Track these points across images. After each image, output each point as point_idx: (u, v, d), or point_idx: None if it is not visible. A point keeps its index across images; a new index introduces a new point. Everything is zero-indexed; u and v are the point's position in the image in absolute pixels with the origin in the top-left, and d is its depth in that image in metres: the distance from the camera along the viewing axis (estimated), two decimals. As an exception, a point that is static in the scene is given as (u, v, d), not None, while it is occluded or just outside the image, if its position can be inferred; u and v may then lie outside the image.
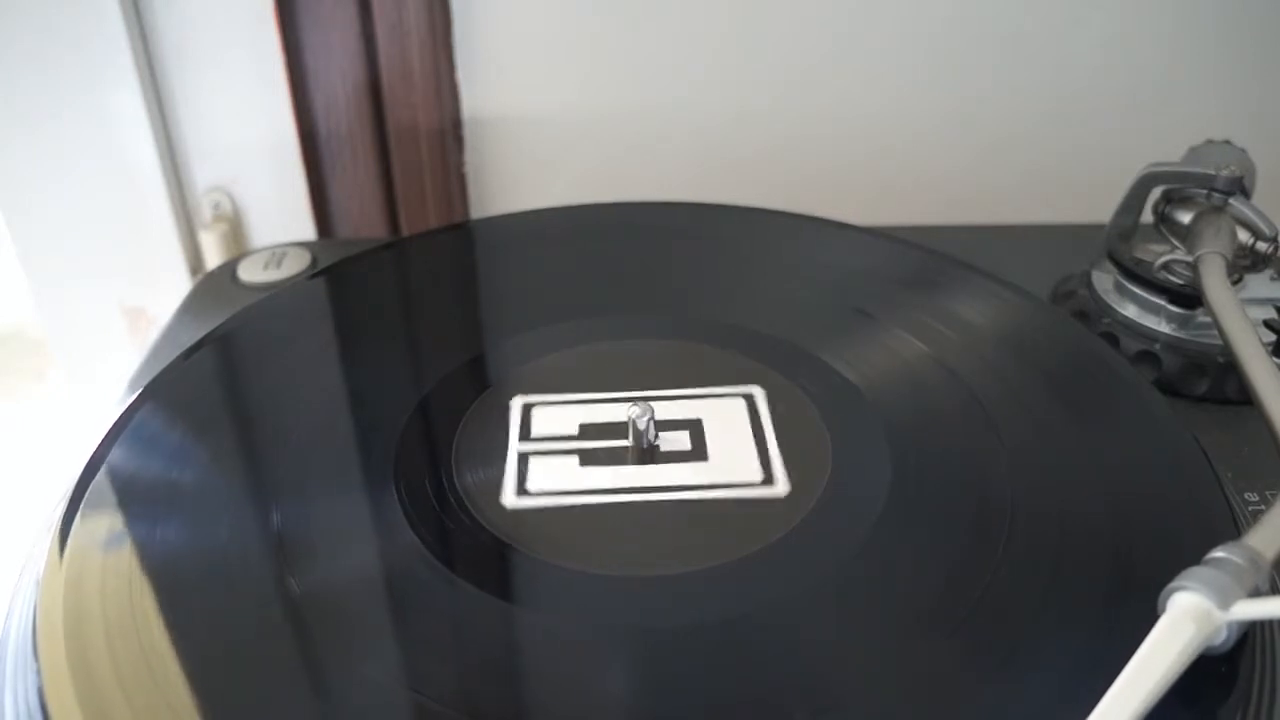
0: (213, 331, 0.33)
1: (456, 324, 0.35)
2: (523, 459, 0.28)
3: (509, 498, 0.26)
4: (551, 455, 0.28)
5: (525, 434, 0.29)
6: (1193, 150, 0.37)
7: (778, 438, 0.28)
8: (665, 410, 0.29)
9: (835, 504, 0.26)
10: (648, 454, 0.28)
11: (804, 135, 0.54)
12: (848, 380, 0.30)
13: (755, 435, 0.28)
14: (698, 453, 0.28)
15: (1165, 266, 0.35)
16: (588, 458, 0.28)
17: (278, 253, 0.43)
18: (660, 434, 0.28)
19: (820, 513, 0.25)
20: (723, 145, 0.55)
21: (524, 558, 0.24)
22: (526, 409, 0.30)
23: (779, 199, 0.42)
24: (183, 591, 0.23)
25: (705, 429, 0.29)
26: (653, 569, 0.24)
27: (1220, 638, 0.20)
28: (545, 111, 0.54)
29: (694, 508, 0.26)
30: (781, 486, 0.26)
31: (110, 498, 0.26)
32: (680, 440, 0.28)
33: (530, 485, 0.27)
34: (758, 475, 0.27)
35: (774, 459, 0.27)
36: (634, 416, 0.28)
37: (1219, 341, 0.30)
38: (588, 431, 0.29)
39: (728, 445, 0.28)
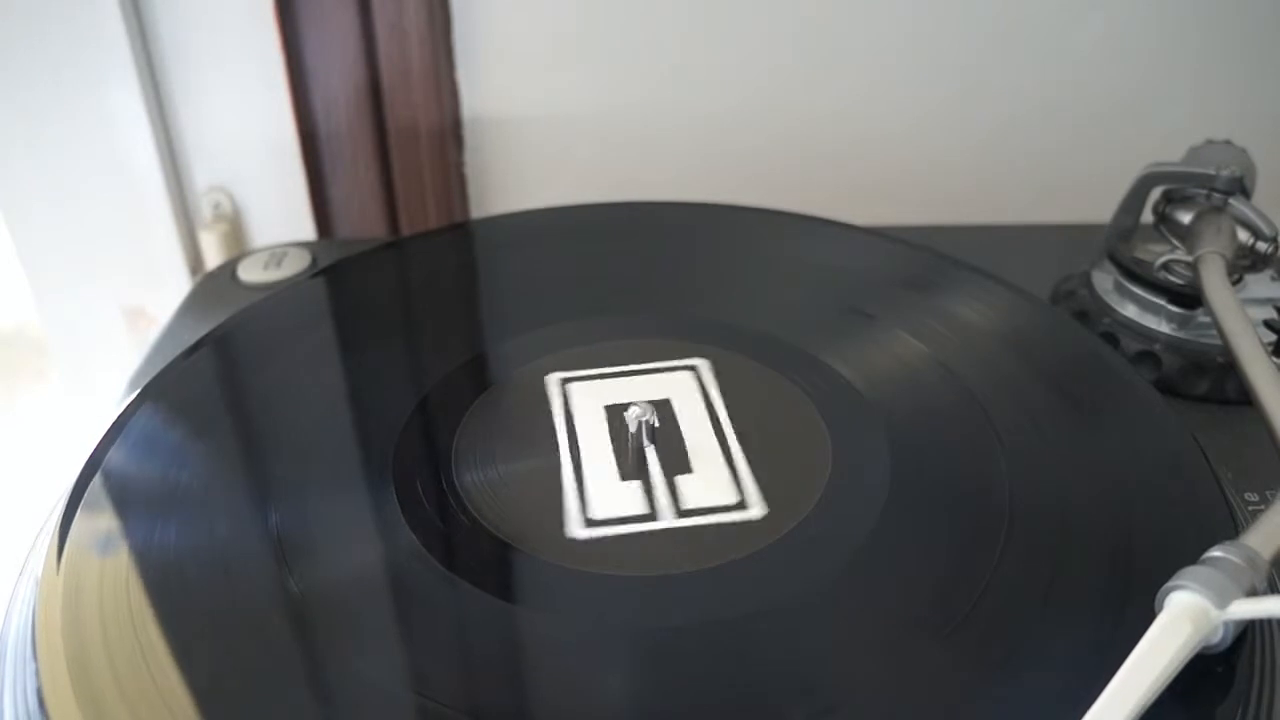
0: (213, 331, 0.33)
1: (456, 324, 0.35)
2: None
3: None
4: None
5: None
6: (1193, 150, 0.36)
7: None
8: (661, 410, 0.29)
9: (835, 504, 0.26)
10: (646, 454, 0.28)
11: (804, 135, 0.54)
12: (847, 380, 0.30)
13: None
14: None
15: (1165, 266, 0.35)
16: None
17: (278, 253, 0.43)
18: (656, 435, 0.28)
19: (820, 513, 0.25)
20: (723, 145, 0.55)
21: (524, 557, 0.24)
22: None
23: (779, 199, 0.42)
24: (181, 591, 0.23)
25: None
26: (653, 569, 0.24)
27: (1217, 637, 0.20)
28: (545, 111, 0.54)
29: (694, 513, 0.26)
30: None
31: (109, 498, 0.26)
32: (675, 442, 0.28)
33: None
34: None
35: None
36: (634, 416, 0.28)
37: (1219, 341, 0.30)
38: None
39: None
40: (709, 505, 0.26)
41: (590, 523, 0.26)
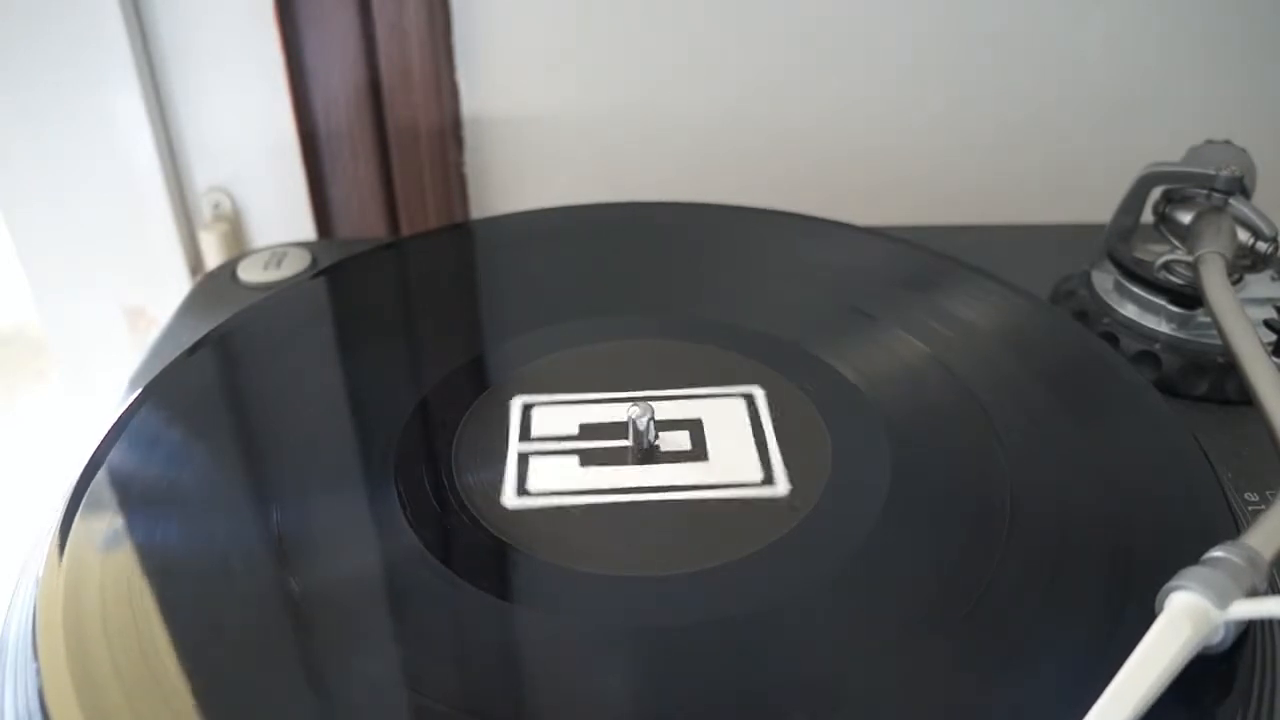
0: (213, 331, 0.33)
1: (456, 324, 0.35)
2: (523, 459, 0.28)
3: (509, 498, 0.26)
4: (552, 455, 0.28)
5: (525, 434, 0.29)
6: (1193, 150, 0.36)
7: (778, 437, 0.28)
8: (665, 410, 0.29)
9: (835, 504, 0.26)
10: (648, 454, 0.28)
11: (804, 135, 0.54)
12: (848, 380, 0.30)
13: (755, 435, 0.28)
14: (698, 453, 0.28)
15: (1165, 266, 0.35)
16: (588, 458, 0.28)
17: (278, 253, 0.43)
18: (660, 434, 0.28)
19: (820, 513, 0.25)
20: (722, 145, 0.55)
21: (524, 557, 0.24)
22: (526, 409, 0.30)
23: (779, 199, 0.42)
24: (182, 591, 0.23)
25: (705, 429, 0.29)
26: (653, 569, 0.24)
27: (1218, 637, 0.20)
28: (545, 111, 0.54)
29: (694, 508, 0.26)
30: (782, 486, 0.26)
31: (110, 497, 0.26)
32: (680, 440, 0.28)
33: (530, 485, 0.27)
34: (758, 475, 0.27)
35: (774, 458, 0.27)
36: (634, 416, 0.28)
37: (1219, 341, 0.30)
38: (588, 431, 0.29)
39: (728, 445, 0.28)
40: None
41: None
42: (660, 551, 0.25)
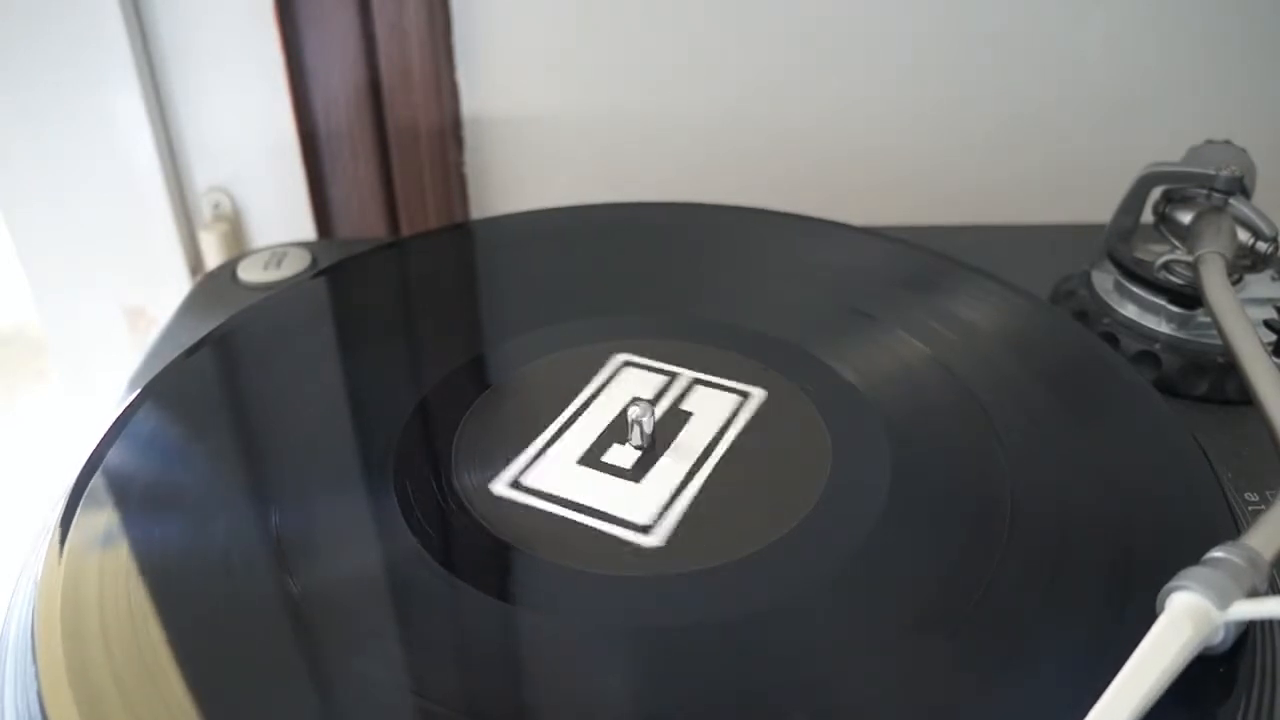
0: (213, 331, 0.33)
1: (456, 324, 0.35)
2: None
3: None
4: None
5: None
6: (1193, 150, 0.36)
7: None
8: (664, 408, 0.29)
9: (835, 504, 0.26)
10: (648, 455, 0.28)
11: (804, 135, 0.54)
12: (848, 380, 0.30)
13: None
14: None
15: (1165, 266, 0.35)
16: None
17: (278, 253, 0.43)
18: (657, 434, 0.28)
19: (820, 513, 0.25)
20: (722, 145, 0.55)
21: (524, 557, 0.24)
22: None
23: (778, 199, 0.42)
24: (181, 591, 0.23)
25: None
26: (653, 569, 0.24)
27: (1218, 638, 0.20)
28: (545, 111, 0.54)
29: (695, 507, 0.26)
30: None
31: (109, 497, 0.26)
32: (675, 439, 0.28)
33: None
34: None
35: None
36: (635, 416, 0.28)
37: (1219, 341, 0.30)
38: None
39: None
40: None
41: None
42: (661, 551, 0.25)
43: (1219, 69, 0.52)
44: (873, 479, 0.26)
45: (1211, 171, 0.35)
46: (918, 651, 0.22)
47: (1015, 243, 0.44)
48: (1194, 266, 0.32)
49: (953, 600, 0.23)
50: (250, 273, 0.42)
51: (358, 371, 0.32)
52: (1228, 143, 0.36)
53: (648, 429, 0.28)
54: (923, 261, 0.36)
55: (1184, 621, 0.20)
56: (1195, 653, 0.20)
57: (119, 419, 0.29)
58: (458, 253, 0.40)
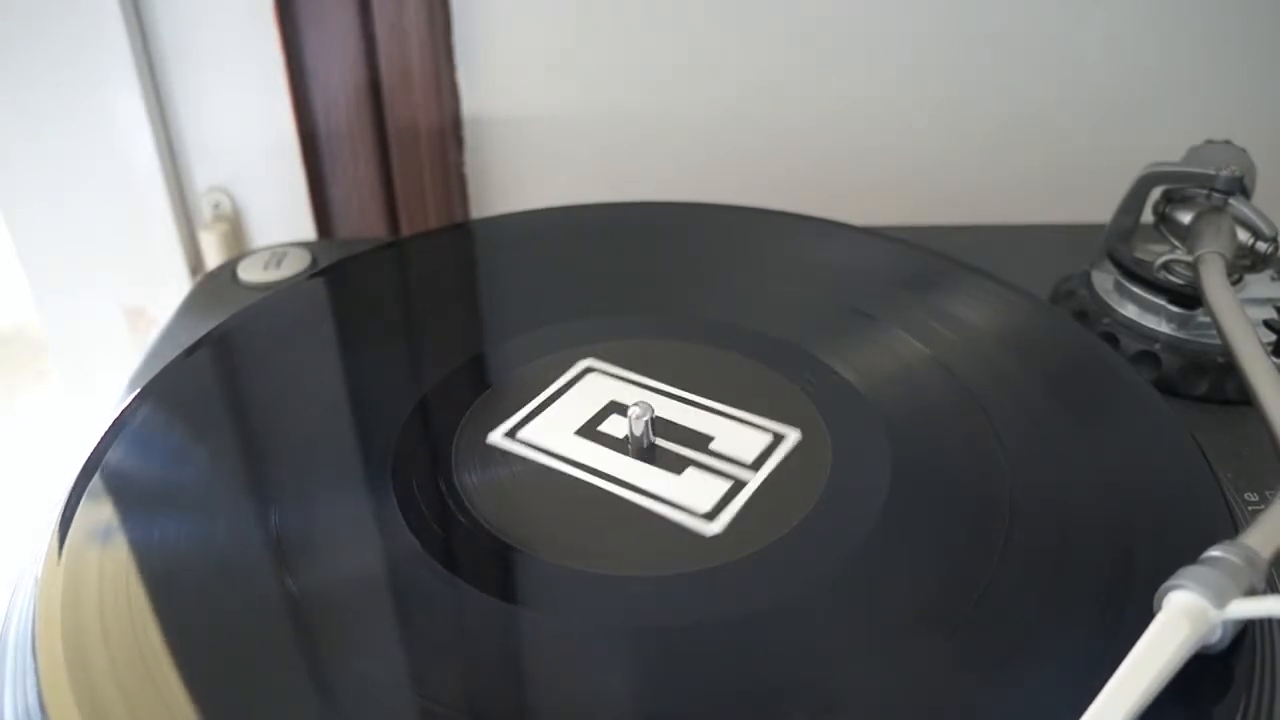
0: (212, 331, 0.33)
1: (456, 324, 0.35)
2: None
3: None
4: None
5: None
6: (1193, 150, 0.36)
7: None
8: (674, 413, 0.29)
9: (835, 504, 0.26)
10: (646, 453, 0.28)
11: (804, 135, 0.54)
12: (848, 380, 0.30)
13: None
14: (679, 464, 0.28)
15: (1165, 266, 0.35)
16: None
17: (278, 253, 0.43)
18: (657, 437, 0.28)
19: (820, 513, 0.25)
20: (722, 145, 0.55)
21: (523, 557, 0.24)
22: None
23: (778, 199, 0.42)
24: (181, 591, 0.23)
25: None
26: (652, 569, 0.24)
27: (1216, 636, 0.20)
28: (545, 111, 0.54)
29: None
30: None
31: (109, 497, 0.26)
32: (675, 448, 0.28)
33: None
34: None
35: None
36: (634, 416, 0.28)
37: (1219, 341, 0.30)
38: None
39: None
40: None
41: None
42: (660, 551, 0.25)
43: (1219, 69, 0.52)
44: (873, 479, 0.26)
45: (1211, 171, 0.35)
46: (918, 651, 0.22)
47: (1015, 243, 0.44)
48: (1194, 266, 0.32)
49: (953, 600, 0.23)
50: (250, 273, 0.42)
51: (357, 371, 0.32)
52: (1228, 143, 0.36)
53: (645, 431, 0.28)
54: (923, 261, 0.36)
55: (1181, 620, 0.20)
56: (1193, 651, 0.20)
57: (119, 419, 0.29)
58: (458, 253, 0.40)
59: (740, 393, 0.30)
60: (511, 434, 0.28)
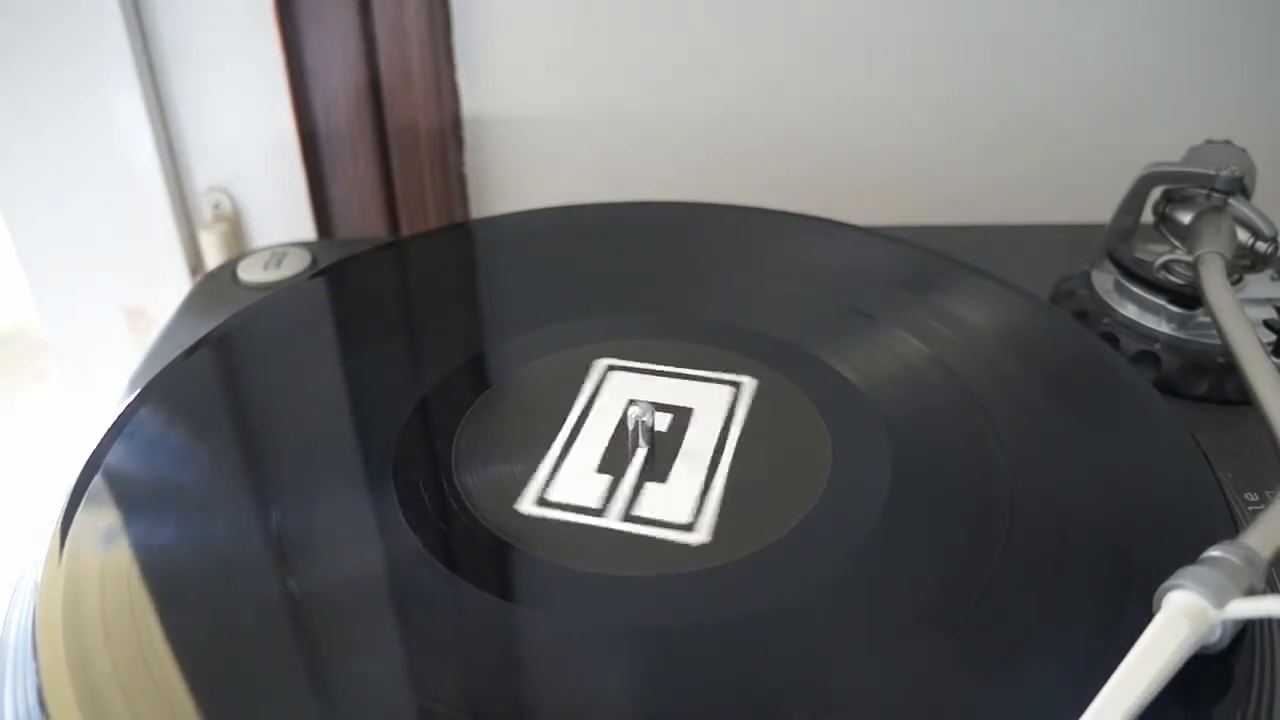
0: (213, 331, 0.33)
1: (456, 324, 0.35)
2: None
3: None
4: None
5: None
6: (1193, 150, 0.36)
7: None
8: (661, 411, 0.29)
9: (835, 504, 0.26)
10: (649, 457, 0.28)
11: (803, 135, 0.54)
12: (848, 380, 0.30)
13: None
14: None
15: (1165, 266, 0.35)
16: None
17: (278, 253, 0.43)
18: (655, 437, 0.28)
19: (820, 513, 0.25)
20: (722, 145, 0.55)
21: (524, 557, 0.24)
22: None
23: (778, 199, 0.42)
24: (182, 591, 0.23)
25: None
26: (652, 569, 0.24)
27: (1215, 636, 0.20)
28: (545, 111, 0.54)
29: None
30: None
31: (109, 497, 0.26)
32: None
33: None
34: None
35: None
36: (636, 417, 0.28)
37: (1219, 341, 0.30)
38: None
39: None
40: (657, 518, 0.26)
41: (543, 503, 0.26)
42: (660, 551, 0.25)
43: (1219, 69, 0.52)
44: (873, 479, 0.26)
45: (1211, 171, 0.35)
46: (918, 651, 0.22)
47: (1015, 243, 0.44)
48: (1194, 266, 0.32)
49: (953, 600, 0.23)
50: (250, 273, 0.42)
51: (357, 371, 0.32)
52: (1228, 143, 0.36)
53: (650, 428, 0.28)
54: (923, 261, 0.36)
55: (1180, 620, 0.20)
56: (1192, 651, 0.20)
57: (119, 419, 0.29)
58: (457, 253, 0.40)
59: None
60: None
